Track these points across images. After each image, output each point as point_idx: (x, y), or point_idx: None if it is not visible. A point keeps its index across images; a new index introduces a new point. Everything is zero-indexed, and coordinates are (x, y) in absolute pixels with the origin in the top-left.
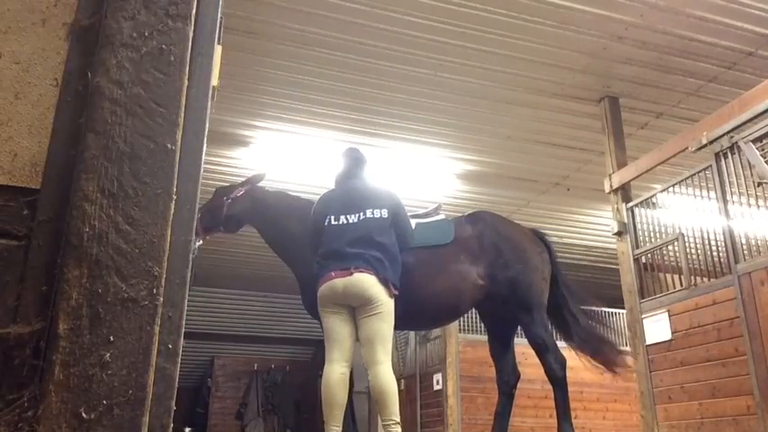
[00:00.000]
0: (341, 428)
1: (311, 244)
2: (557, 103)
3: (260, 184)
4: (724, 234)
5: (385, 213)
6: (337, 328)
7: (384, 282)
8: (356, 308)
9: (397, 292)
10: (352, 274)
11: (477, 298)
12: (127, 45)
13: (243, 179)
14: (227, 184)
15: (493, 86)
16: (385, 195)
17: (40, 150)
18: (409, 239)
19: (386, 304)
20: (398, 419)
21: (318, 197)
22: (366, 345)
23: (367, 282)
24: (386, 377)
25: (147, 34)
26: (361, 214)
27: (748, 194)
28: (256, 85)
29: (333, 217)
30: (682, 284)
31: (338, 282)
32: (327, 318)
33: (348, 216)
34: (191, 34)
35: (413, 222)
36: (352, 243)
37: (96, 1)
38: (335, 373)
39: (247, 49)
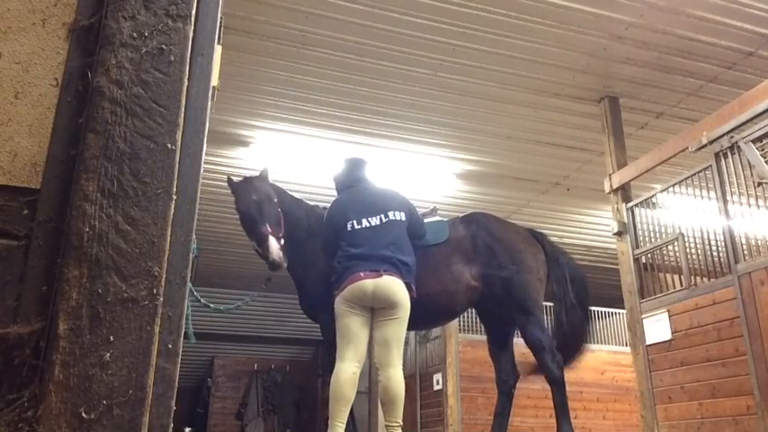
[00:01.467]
0: (344, 426)
1: (326, 248)
2: (557, 103)
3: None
4: (724, 234)
5: (403, 216)
6: (356, 329)
7: (408, 287)
8: (377, 309)
9: (415, 296)
10: (381, 275)
11: (471, 299)
12: (127, 45)
13: (252, 175)
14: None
15: (493, 86)
16: (399, 198)
17: (40, 150)
18: (424, 232)
19: (406, 309)
20: (401, 423)
21: (332, 203)
22: (382, 347)
23: (395, 285)
24: (398, 381)
25: (147, 34)
26: (383, 217)
27: (748, 194)
28: (256, 85)
29: (355, 221)
30: (682, 284)
31: (368, 282)
32: (347, 318)
33: (370, 219)
34: (191, 34)
35: None
36: (380, 246)
37: (96, 1)
38: (348, 371)
39: (247, 49)
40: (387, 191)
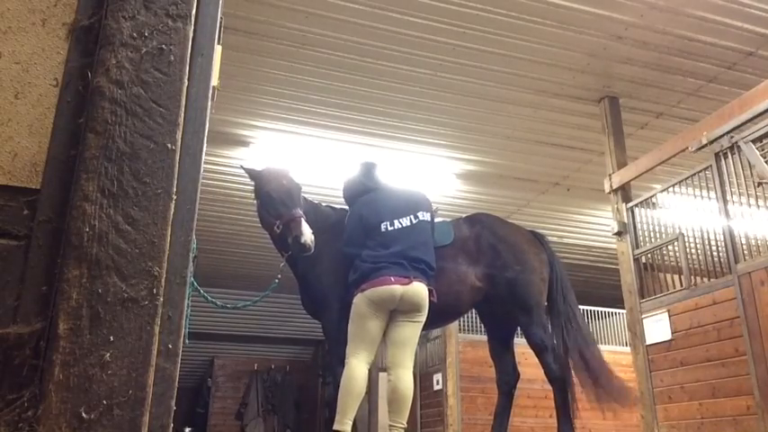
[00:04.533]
0: (352, 423)
1: (349, 247)
2: (557, 103)
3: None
4: (724, 234)
5: (429, 216)
6: (375, 332)
7: (430, 292)
8: (397, 311)
9: (435, 300)
10: (411, 282)
11: (475, 299)
12: (127, 45)
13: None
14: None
15: (493, 86)
16: (425, 198)
17: (40, 150)
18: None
19: (426, 313)
20: (405, 425)
21: (359, 203)
22: (398, 347)
23: (422, 292)
24: (409, 382)
25: (147, 34)
26: (413, 218)
27: (748, 194)
28: (256, 85)
29: (388, 222)
30: (682, 284)
31: (398, 288)
32: (369, 320)
33: (401, 220)
34: (191, 34)
35: None
36: (411, 248)
37: (96, 1)
38: (362, 369)
39: (247, 49)
40: (413, 191)
